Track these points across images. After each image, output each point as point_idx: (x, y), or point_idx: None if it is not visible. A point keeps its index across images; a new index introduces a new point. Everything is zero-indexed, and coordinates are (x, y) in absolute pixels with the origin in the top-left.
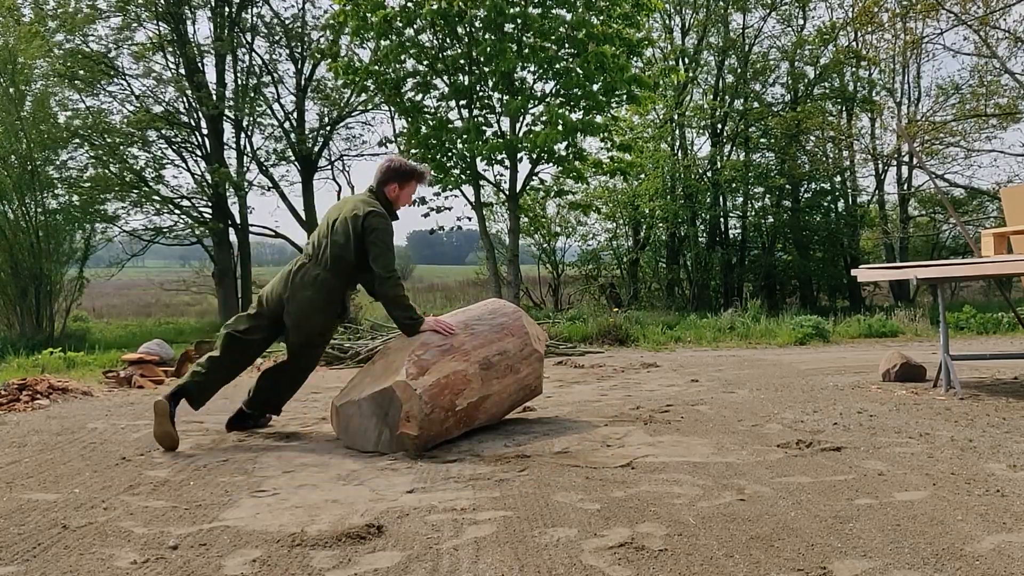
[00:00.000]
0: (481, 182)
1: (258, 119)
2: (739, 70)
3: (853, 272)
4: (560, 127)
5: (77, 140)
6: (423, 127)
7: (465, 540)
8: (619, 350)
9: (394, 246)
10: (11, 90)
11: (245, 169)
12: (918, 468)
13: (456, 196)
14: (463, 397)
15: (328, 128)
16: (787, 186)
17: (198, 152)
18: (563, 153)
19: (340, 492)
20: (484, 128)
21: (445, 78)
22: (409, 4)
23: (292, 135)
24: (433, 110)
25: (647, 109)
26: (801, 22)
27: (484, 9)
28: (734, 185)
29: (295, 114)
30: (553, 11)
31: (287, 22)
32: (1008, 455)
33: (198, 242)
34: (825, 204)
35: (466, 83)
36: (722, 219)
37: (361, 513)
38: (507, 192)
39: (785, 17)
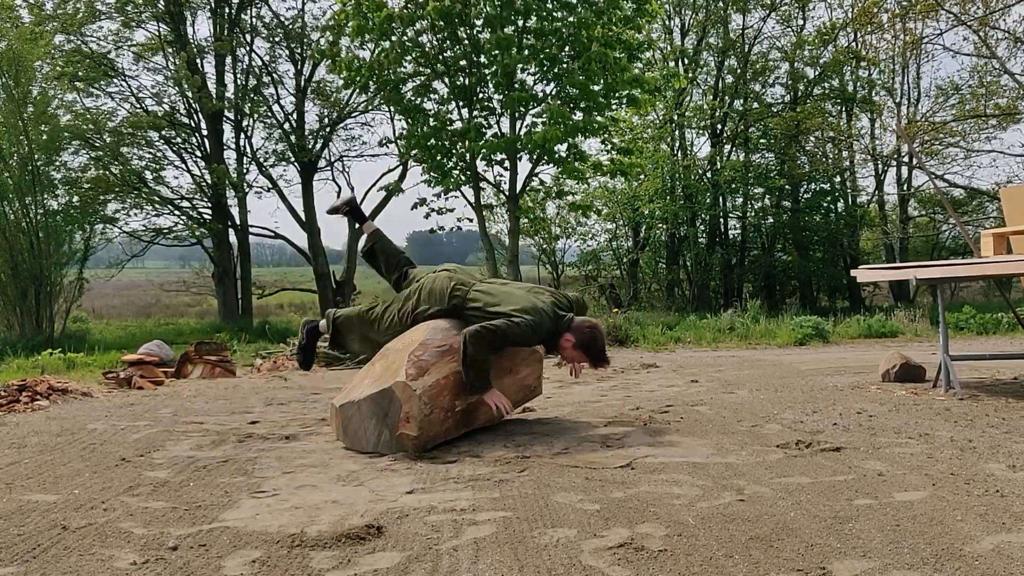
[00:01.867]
0: (481, 183)
1: (258, 120)
2: (739, 71)
3: (853, 272)
4: (561, 126)
5: (78, 141)
6: (423, 127)
7: (465, 541)
8: (619, 350)
9: None
10: (15, 92)
11: (245, 170)
12: (918, 468)
13: (456, 197)
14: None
15: (328, 129)
16: (787, 186)
17: (198, 153)
18: (563, 154)
19: (340, 493)
20: (484, 129)
21: (446, 80)
22: (410, 5)
23: (292, 136)
24: (433, 111)
25: (647, 111)
26: (801, 22)
27: (491, 7)
28: (734, 186)
29: (295, 115)
30: (555, 14)
31: (287, 23)
32: (1008, 455)
33: (198, 243)
34: (825, 204)
35: (466, 84)
36: (722, 219)
37: (361, 514)
38: (507, 193)
39: (785, 17)
